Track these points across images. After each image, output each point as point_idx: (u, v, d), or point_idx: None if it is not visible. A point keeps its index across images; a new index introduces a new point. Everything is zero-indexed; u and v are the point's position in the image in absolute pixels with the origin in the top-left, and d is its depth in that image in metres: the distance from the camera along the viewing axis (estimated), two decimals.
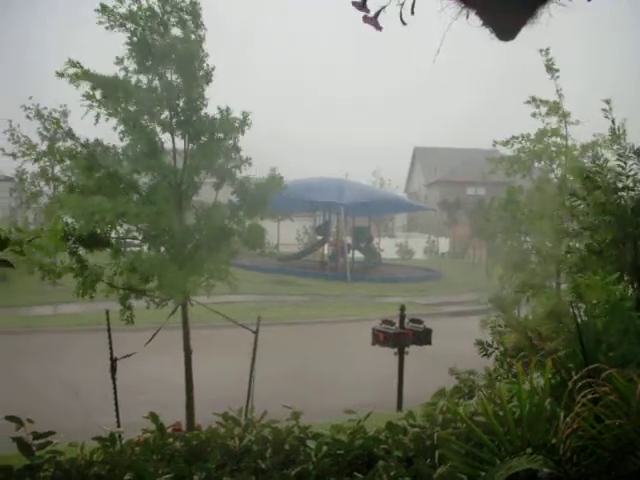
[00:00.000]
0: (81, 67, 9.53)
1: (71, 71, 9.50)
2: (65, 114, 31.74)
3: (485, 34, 2.83)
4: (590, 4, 2.80)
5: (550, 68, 14.70)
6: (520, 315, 11.12)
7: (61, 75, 9.49)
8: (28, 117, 30.99)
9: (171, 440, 5.12)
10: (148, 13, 9.82)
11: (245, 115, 10.39)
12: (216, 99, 10.42)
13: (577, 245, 8.29)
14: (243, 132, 10.43)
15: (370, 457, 4.99)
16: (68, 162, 9.98)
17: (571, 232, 9.25)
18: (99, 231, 9.81)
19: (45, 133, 31.45)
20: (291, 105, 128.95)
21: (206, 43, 10.17)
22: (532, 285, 10.23)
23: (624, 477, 4.13)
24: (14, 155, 33.02)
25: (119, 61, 9.80)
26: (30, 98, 31.30)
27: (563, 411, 4.29)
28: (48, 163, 30.82)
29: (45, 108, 31.62)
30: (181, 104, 10.13)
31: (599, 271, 6.83)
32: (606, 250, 7.38)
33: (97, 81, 9.59)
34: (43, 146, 31.76)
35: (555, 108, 14.80)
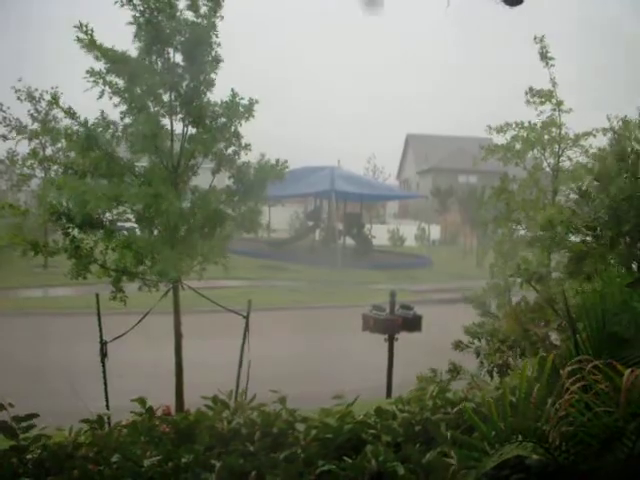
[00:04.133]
0: (91, 34, 9.44)
1: (81, 36, 9.41)
2: (56, 96, 31.63)
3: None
4: None
5: (544, 56, 14.65)
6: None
7: (80, 41, 9.37)
8: (19, 99, 30.88)
9: (158, 423, 5.10)
10: None
11: (252, 102, 10.30)
12: (218, 84, 10.33)
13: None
14: (247, 118, 10.35)
15: (359, 441, 4.98)
16: (63, 142, 9.90)
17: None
18: (92, 213, 9.76)
19: (36, 115, 31.36)
20: (292, 91, 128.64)
21: (219, 30, 10.06)
22: (527, 270, 10.22)
23: (612, 464, 4.13)
24: (4, 137, 32.91)
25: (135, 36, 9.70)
26: (19, 80, 31.19)
27: (554, 399, 4.28)
28: (39, 145, 30.82)
29: (36, 89, 31.51)
30: (184, 87, 10.05)
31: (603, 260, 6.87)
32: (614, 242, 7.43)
33: (105, 53, 9.49)
34: (34, 127, 31.70)
35: (549, 96, 14.76)
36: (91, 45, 9.44)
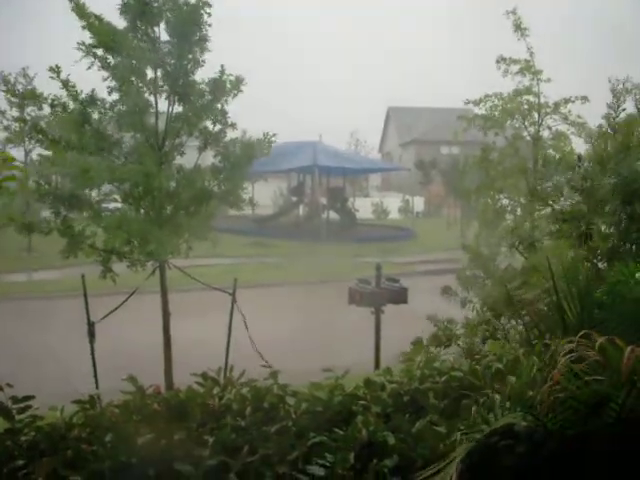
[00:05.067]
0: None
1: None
2: (27, 76, 31.43)
3: None
4: None
5: (518, 27, 14.68)
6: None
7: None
8: None
9: (150, 401, 5.14)
10: None
11: (239, 80, 10.25)
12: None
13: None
14: (235, 96, 10.31)
15: (349, 413, 5.04)
16: (51, 115, 9.86)
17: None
18: (79, 192, 9.75)
19: (14, 99, 31.11)
20: (274, 64, 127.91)
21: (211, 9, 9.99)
22: (517, 234, 10.32)
23: (600, 428, 4.21)
24: None
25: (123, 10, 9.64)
26: None
27: (541, 365, 4.35)
28: (19, 128, 30.55)
29: (10, 74, 31.29)
30: (171, 65, 9.99)
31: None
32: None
33: (91, 26, 9.42)
34: (13, 113, 31.49)
35: (527, 66, 14.78)
36: (79, 12, 9.39)
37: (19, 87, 31.56)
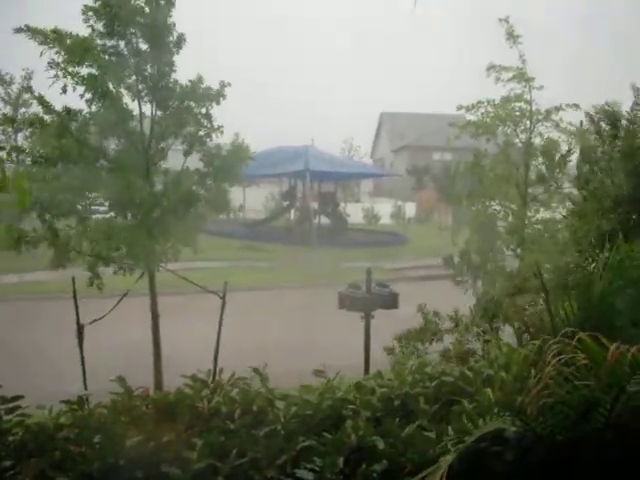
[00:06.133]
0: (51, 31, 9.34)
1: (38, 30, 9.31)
2: (30, 77, 31.43)
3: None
4: None
5: (511, 35, 14.76)
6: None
7: (20, 31, 9.28)
8: None
9: (139, 403, 5.12)
10: None
11: (222, 85, 10.27)
12: (187, 61, 10.30)
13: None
14: (218, 102, 10.33)
15: (339, 418, 5.03)
16: (31, 130, 9.84)
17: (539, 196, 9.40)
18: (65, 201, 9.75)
19: (7, 98, 31.07)
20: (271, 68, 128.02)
21: (174, 10, 9.98)
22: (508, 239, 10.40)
23: (589, 433, 4.20)
24: None
25: (86, 18, 9.59)
26: None
27: (532, 370, 4.35)
28: (10, 130, 30.51)
29: (7, 73, 31.24)
30: (149, 70, 9.98)
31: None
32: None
33: (64, 41, 9.37)
34: (5, 110, 31.40)
35: (519, 74, 14.85)
36: (54, 40, 9.34)
37: (14, 88, 31.53)
